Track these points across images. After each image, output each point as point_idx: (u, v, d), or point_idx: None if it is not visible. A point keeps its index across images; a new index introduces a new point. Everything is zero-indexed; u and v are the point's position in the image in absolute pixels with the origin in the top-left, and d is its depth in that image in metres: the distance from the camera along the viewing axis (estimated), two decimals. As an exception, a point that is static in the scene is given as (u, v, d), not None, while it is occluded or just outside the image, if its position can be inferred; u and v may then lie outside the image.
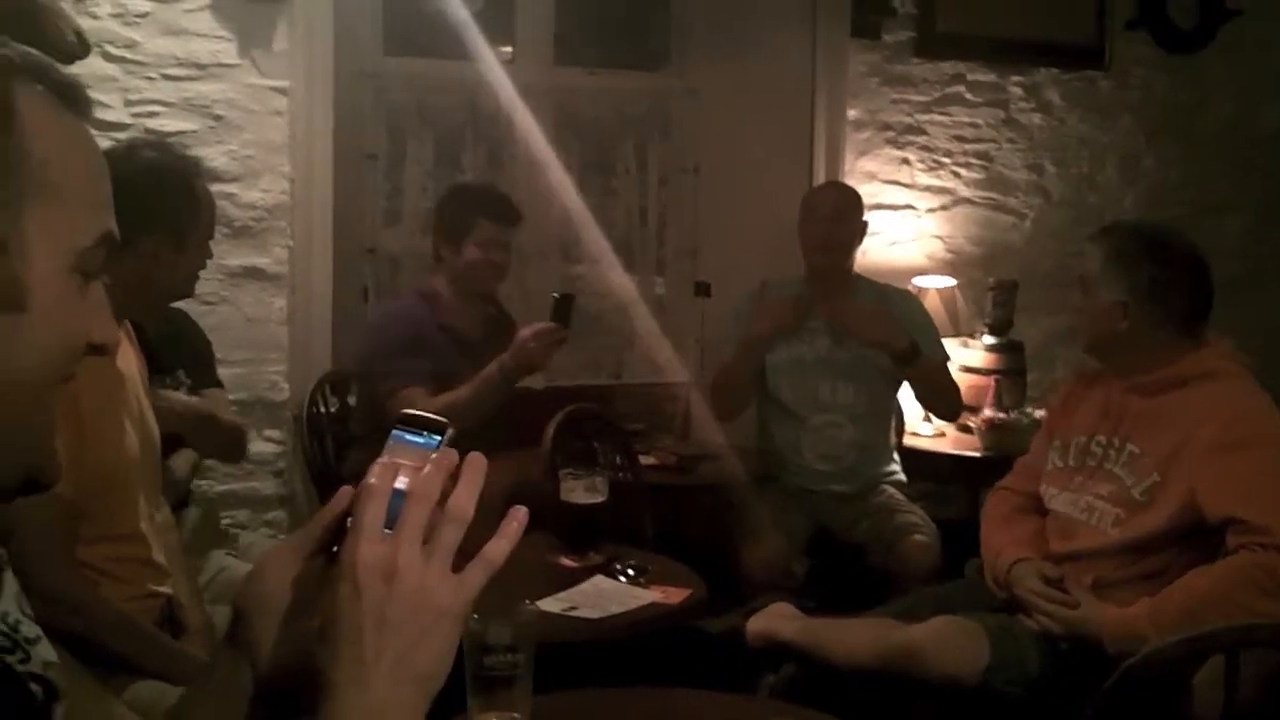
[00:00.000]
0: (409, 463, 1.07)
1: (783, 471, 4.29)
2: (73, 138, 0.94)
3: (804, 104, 5.09)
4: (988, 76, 5.33)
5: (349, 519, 1.05)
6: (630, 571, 2.99)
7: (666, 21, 5.37)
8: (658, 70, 5.42)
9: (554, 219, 5.01)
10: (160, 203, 2.70)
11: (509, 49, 5.14)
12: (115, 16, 3.98)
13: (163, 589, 2.58)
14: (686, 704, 2.33)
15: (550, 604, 2.74)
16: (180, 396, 3.16)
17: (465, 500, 1.04)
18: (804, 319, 4.21)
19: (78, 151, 0.95)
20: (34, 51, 0.93)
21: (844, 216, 4.30)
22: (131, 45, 4.01)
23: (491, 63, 4.77)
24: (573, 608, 2.77)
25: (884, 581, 3.93)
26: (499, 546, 1.05)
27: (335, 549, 1.06)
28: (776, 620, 3.19)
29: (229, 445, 3.38)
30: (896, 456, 4.43)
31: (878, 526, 4.10)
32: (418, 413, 1.13)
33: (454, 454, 1.07)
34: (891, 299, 4.34)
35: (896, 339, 4.08)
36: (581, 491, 3.10)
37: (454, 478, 1.06)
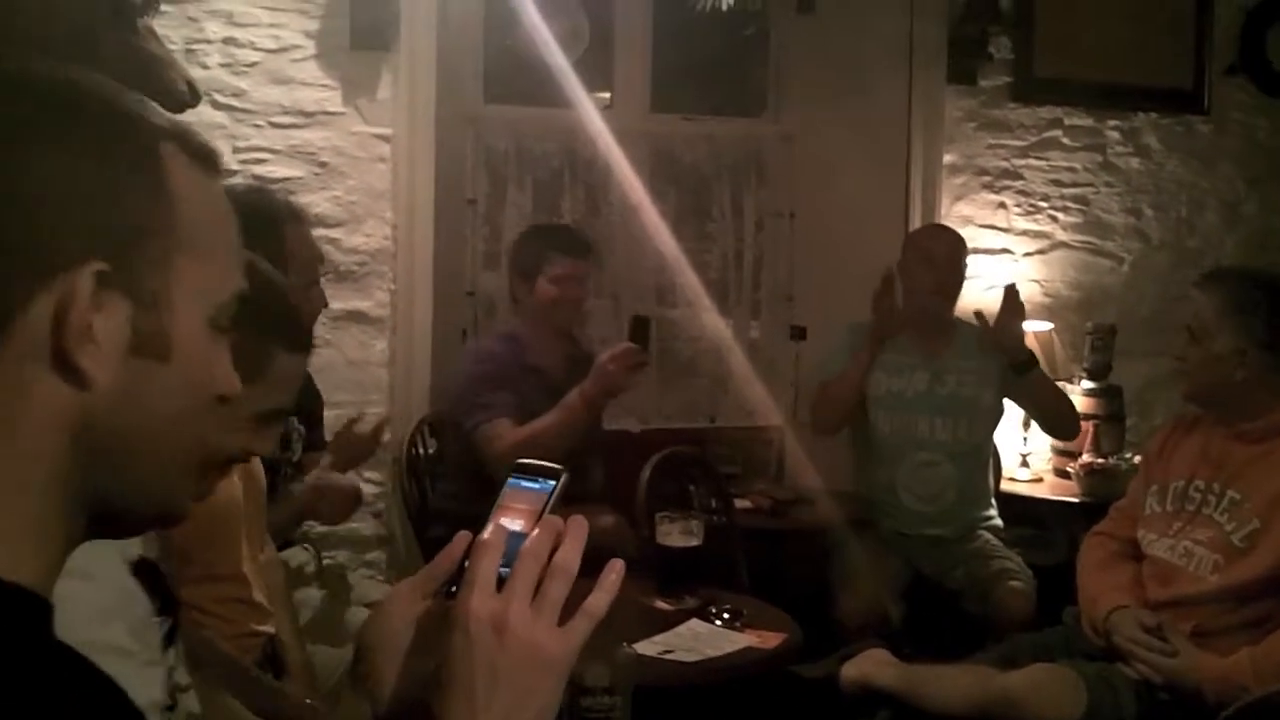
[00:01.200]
0: (523, 507, 1.13)
1: (879, 516, 4.28)
2: (213, 198, 0.98)
3: (900, 149, 5.10)
4: (1085, 121, 5.31)
5: (466, 561, 1.10)
6: (725, 615, 3.01)
7: (763, 67, 5.42)
8: (754, 116, 5.45)
9: (650, 263, 5.05)
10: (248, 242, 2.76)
11: (607, 95, 5.21)
12: (224, 66, 4.10)
13: (264, 628, 2.63)
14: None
15: (646, 647, 2.77)
16: (304, 484, 3.16)
17: (572, 557, 1.09)
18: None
19: (218, 212, 0.99)
20: (175, 117, 0.97)
21: (957, 261, 4.36)
22: (240, 94, 4.12)
23: (589, 109, 4.83)
24: (668, 651, 2.79)
25: (980, 628, 3.91)
26: (600, 599, 1.10)
27: (454, 589, 1.10)
28: (872, 666, 3.19)
29: (348, 509, 3.40)
30: (994, 501, 4.41)
31: (974, 572, 4.08)
32: (532, 461, 1.19)
33: (559, 520, 1.12)
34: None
35: (1023, 344, 4.16)
36: (677, 535, 3.12)
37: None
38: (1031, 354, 4.21)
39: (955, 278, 4.35)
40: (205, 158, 0.97)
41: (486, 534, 1.11)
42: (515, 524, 1.12)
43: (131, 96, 0.94)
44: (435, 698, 1.06)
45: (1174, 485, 3.10)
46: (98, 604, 1.53)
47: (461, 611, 1.05)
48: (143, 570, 1.71)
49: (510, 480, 1.17)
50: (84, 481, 0.90)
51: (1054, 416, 4.37)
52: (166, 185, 0.91)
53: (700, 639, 2.88)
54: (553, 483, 1.16)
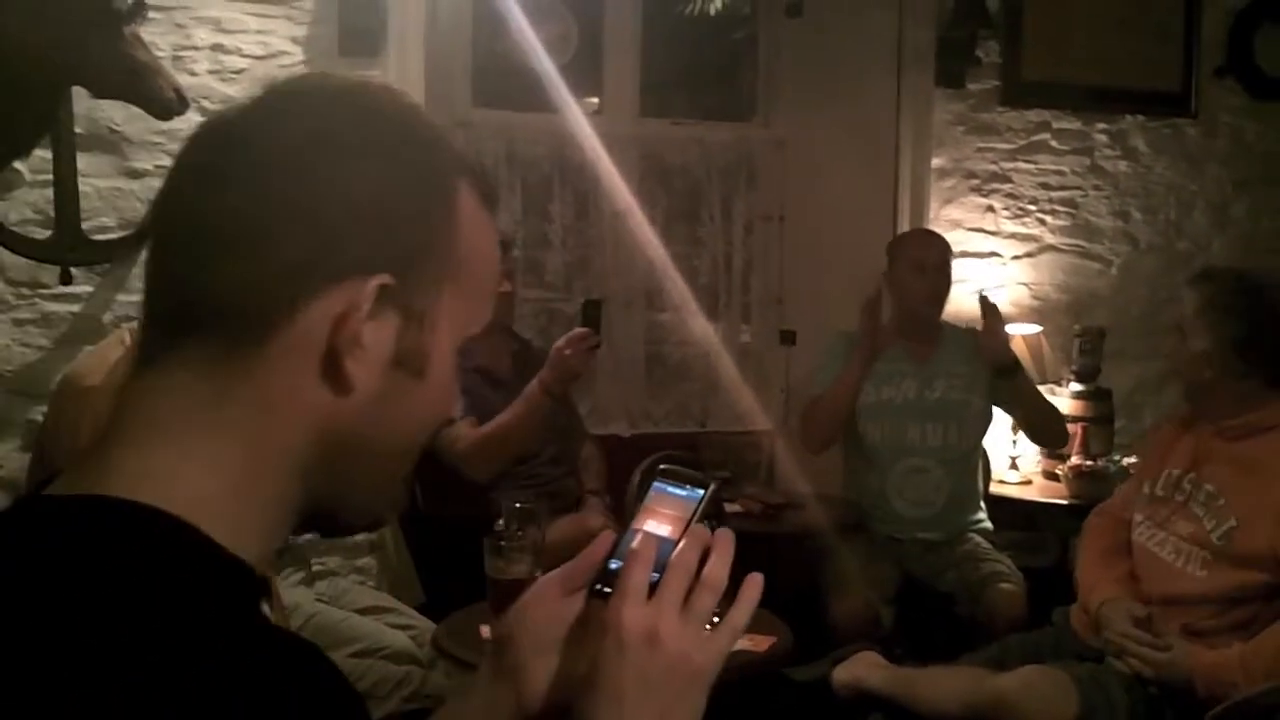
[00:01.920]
0: (670, 512, 1.15)
1: (869, 520, 4.29)
2: (489, 239, 1.02)
3: (889, 153, 5.10)
4: (1073, 124, 5.31)
5: (609, 561, 1.13)
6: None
7: (752, 71, 5.43)
8: (743, 120, 5.47)
9: (640, 267, 5.06)
10: None
11: (596, 100, 5.22)
12: (213, 73, 4.08)
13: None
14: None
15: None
16: None
17: (721, 571, 1.12)
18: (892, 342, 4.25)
19: (490, 248, 1.02)
20: (466, 157, 1.02)
21: (946, 266, 4.38)
22: (228, 101, 4.08)
23: (579, 114, 4.84)
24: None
25: (971, 630, 3.91)
26: (742, 612, 1.14)
27: (598, 587, 1.12)
28: (863, 669, 3.19)
29: None
30: (983, 504, 4.42)
31: (965, 575, 4.09)
32: (679, 467, 1.21)
33: (707, 531, 1.13)
34: (976, 342, 4.36)
35: (1006, 349, 4.19)
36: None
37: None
38: (1015, 359, 4.22)
39: (945, 283, 4.36)
40: (491, 201, 1.01)
41: (636, 542, 1.12)
42: (662, 529, 1.14)
43: (434, 123, 1.00)
44: (582, 702, 1.07)
45: (1166, 473, 3.12)
46: None
47: (614, 620, 1.07)
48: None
49: (656, 484, 1.19)
50: (316, 478, 0.94)
51: (1040, 423, 4.39)
52: (456, 216, 0.96)
53: (691, 642, 2.87)
54: (701, 492, 1.17)
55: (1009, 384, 4.24)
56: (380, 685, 2.96)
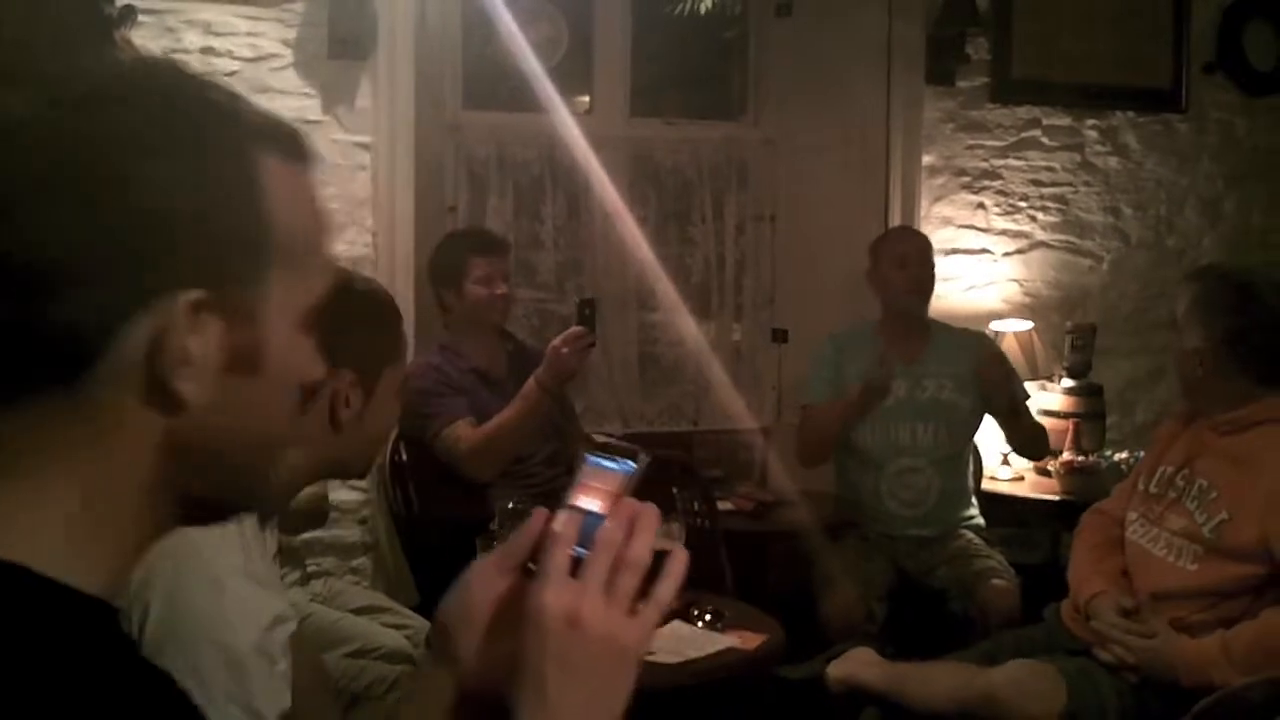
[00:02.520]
0: (601, 486, 1.13)
1: (861, 518, 4.30)
2: (306, 195, 0.96)
3: (879, 151, 5.10)
4: (1063, 121, 5.32)
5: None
6: (708, 617, 3.02)
7: (743, 72, 5.44)
8: (734, 120, 5.48)
9: (632, 268, 5.07)
10: None
11: (586, 100, 5.23)
12: (204, 76, 4.08)
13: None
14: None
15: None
16: None
17: (643, 549, 1.09)
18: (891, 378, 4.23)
19: (311, 210, 0.97)
20: (261, 108, 0.94)
21: (928, 259, 4.40)
22: (219, 104, 4.11)
23: (570, 115, 4.84)
24: (650, 653, 2.79)
25: (964, 627, 3.93)
26: (667, 587, 1.11)
27: (530, 566, 1.12)
28: (857, 666, 3.20)
29: (313, 521, 3.42)
30: (975, 500, 4.43)
31: (957, 571, 4.11)
32: (612, 440, 1.20)
33: (636, 505, 1.12)
34: (968, 342, 4.37)
35: (1008, 395, 4.20)
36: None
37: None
38: (1016, 403, 4.25)
39: (928, 275, 4.39)
40: (297, 153, 0.95)
41: (560, 521, 1.10)
42: (593, 504, 1.12)
43: (219, 98, 0.92)
44: (514, 690, 1.07)
45: (1162, 469, 3.14)
46: (249, 597, 1.71)
47: (534, 604, 1.06)
48: None
49: (590, 458, 1.16)
50: (173, 489, 0.91)
51: (1027, 442, 4.42)
52: (263, 200, 0.90)
53: (683, 640, 2.89)
54: (633, 465, 1.15)
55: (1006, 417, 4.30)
56: (375, 685, 2.97)
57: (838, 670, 3.20)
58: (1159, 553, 3.03)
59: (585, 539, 1.08)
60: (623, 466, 1.15)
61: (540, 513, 1.16)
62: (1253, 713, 2.37)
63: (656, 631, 2.79)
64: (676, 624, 2.99)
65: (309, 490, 3.20)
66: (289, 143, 0.94)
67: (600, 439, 1.19)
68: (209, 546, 1.69)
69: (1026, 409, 4.38)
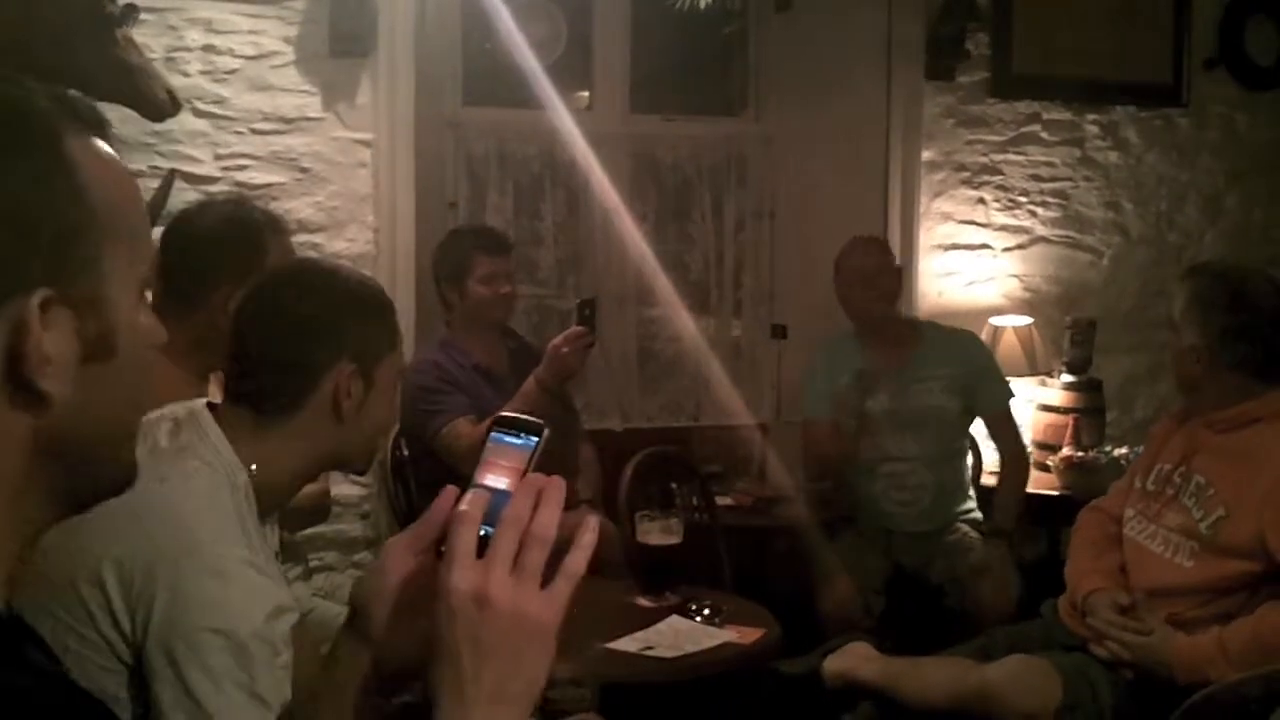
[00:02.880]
0: (507, 464, 1.13)
1: (859, 513, 4.31)
2: (113, 168, 0.95)
3: (879, 147, 5.11)
4: (1063, 116, 5.32)
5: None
6: (706, 611, 3.03)
7: (743, 68, 5.45)
8: (733, 116, 5.49)
9: (631, 264, 5.08)
10: (225, 256, 2.80)
11: (586, 96, 5.23)
12: (205, 73, 4.10)
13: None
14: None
15: (627, 644, 2.79)
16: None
17: (549, 522, 1.09)
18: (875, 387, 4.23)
19: (121, 181, 0.96)
20: (58, 89, 0.93)
21: (887, 264, 4.36)
22: (220, 101, 4.13)
23: (569, 111, 4.86)
24: (649, 647, 2.81)
25: (961, 621, 3.94)
26: (578, 558, 1.11)
27: (441, 547, 1.12)
28: (854, 660, 3.21)
29: (315, 517, 3.42)
30: (973, 494, 4.43)
31: (954, 566, 4.11)
32: (515, 415, 1.19)
33: (541, 478, 1.12)
34: (955, 343, 4.38)
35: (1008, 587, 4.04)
36: (657, 533, 3.15)
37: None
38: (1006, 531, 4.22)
39: (887, 284, 4.33)
40: (94, 122, 0.94)
41: (466, 501, 1.10)
42: (500, 481, 1.12)
43: (12, 85, 0.91)
44: (429, 671, 1.08)
45: (1159, 467, 3.15)
46: (255, 587, 1.74)
47: (443, 587, 1.06)
48: None
49: (494, 435, 1.16)
50: (42, 487, 0.91)
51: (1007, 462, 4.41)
52: (79, 181, 0.90)
53: (680, 635, 2.91)
54: (536, 439, 1.15)
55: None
56: None
57: (834, 665, 3.21)
58: (1156, 549, 3.04)
59: (492, 517, 1.08)
60: (526, 442, 1.15)
61: (449, 491, 1.16)
62: (1246, 708, 2.38)
63: (654, 627, 2.82)
64: (675, 619, 3.01)
65: (311, 487, 3.20)
66: (84, 114, 0.94)
67: (506, 414, 1.18)
68: (210, 539, 1.72)
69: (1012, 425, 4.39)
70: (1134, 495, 3.19)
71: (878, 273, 4.31)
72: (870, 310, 4.28)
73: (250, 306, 1.96)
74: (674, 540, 3.15)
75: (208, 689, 1.65)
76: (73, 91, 0.96)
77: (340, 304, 1.94)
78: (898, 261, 4.52)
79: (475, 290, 4.09)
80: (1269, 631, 2.73)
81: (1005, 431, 4.38)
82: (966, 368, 4.30)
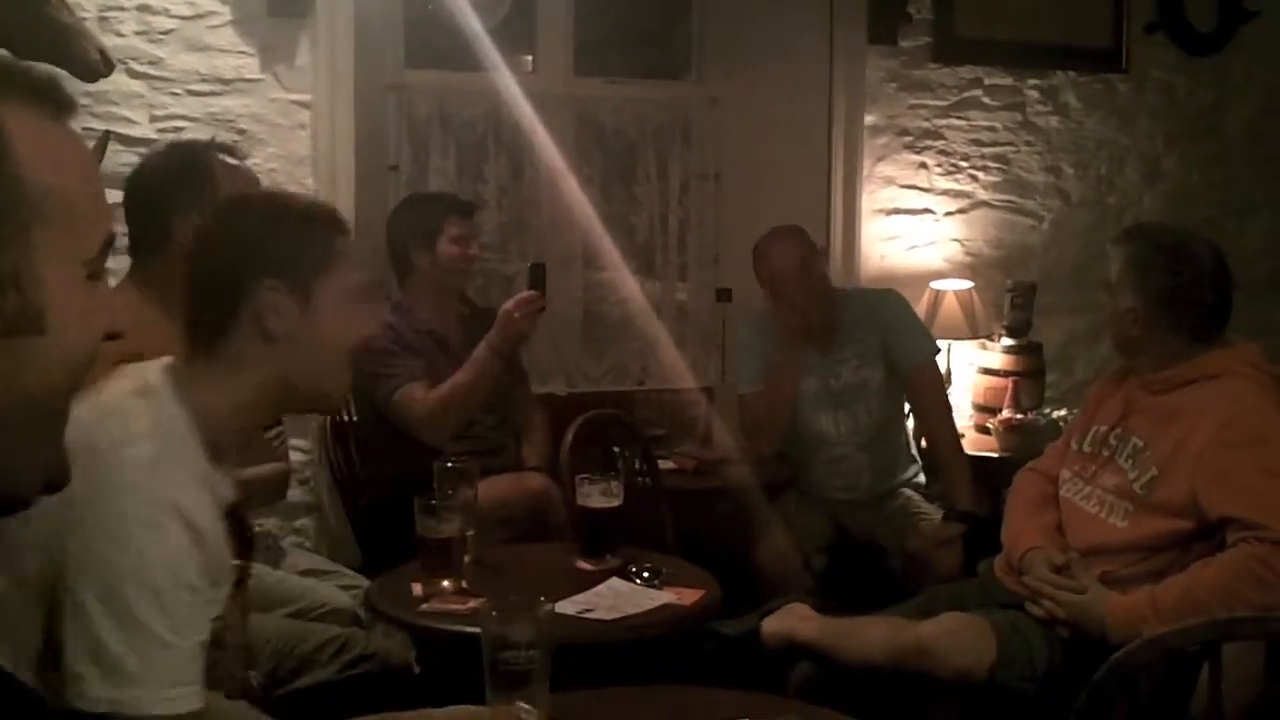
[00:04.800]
0: None
1: (802, 481, 4.32)
2: (63, 146, 0.94)
3: (822, 111, 5.12)
4: (1005, 80, 5.35)
5: None
6: (646, 574, 3.03)
7: (686, 31, 5.43)
8: (678, 79, 5.47)
9: (576, 227, 5.06)
10: (171, 189, 2.79)
11: (530, 59, 5.20)
12: (140, 34, 4.05)
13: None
14: (700, 700, 2.36)
15: (566, 606, 2.79)
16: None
17: None
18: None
19: (71, 160, 0.95)
20: (10, 59, 0.92)
21: (808, 267, 4.18)
22: (156, 61, 4.08)
23: (513, 74, 4.83)
24: (588, 610, 2.81)
25: (903, 582, 3.96)
26: None
27: None
28: (792, 620, 3.22)
29: (274, 495, 3.40)
30: (915, 456, 4.44)
31: (897, 528, 4.14)
32: None
33: None
34: (871, 307, 4.30)
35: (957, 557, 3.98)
36: (597, 496, 3.15)
37: None
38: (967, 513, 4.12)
39: (810, 285, 4.16)
40: (51, 101, 0.92)
41: None
42: None
43: None
44: None
45: (1095, 429, 3.17)
46: (184, 544, 1.67)
47: None
48: (231, 517, 1.84)
49: None
50: None
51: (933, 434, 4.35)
52: (9, 153, 0.87)
53: (620, 597, 2.91)
54: None
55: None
56: (321, 650, 2.97)
57: (771, 625, 3.22)
58: (1091, 509, 3.07)
59: None
60: None
61: None
62: (1173, 660, 2.41)
63: (594, 589, 2.81)
64: (615, 581, 3.01)
65: (270, 466, 3.20)
66: (40, 91, 0.91)
67: None
68: (146, 483, 1.66)
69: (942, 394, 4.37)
70: (1070, 457, 3.22)
71: (803, 272, 4.14)
72: (808, 314, 4.14)
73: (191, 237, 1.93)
74: (614, 503, 3.15)
75: (118, 637, 1.60)
76: (30, 63, 0.94)
77: (263, 219, 1.88)
78: (819, 245, 4.40)
79: (447, 250, 4.08)
80: (1200, 589, 2.76)
81: (925, 391, 4.26)
82: (884, 330, 4.21)
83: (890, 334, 4.22)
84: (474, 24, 4.67)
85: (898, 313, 4.31)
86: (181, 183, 2.84)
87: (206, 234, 1.90)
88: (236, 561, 1.88)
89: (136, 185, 2.96)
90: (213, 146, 3.04)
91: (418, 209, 4.21)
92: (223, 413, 1.82)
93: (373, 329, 2.30)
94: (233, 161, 2.98)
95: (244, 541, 1.91)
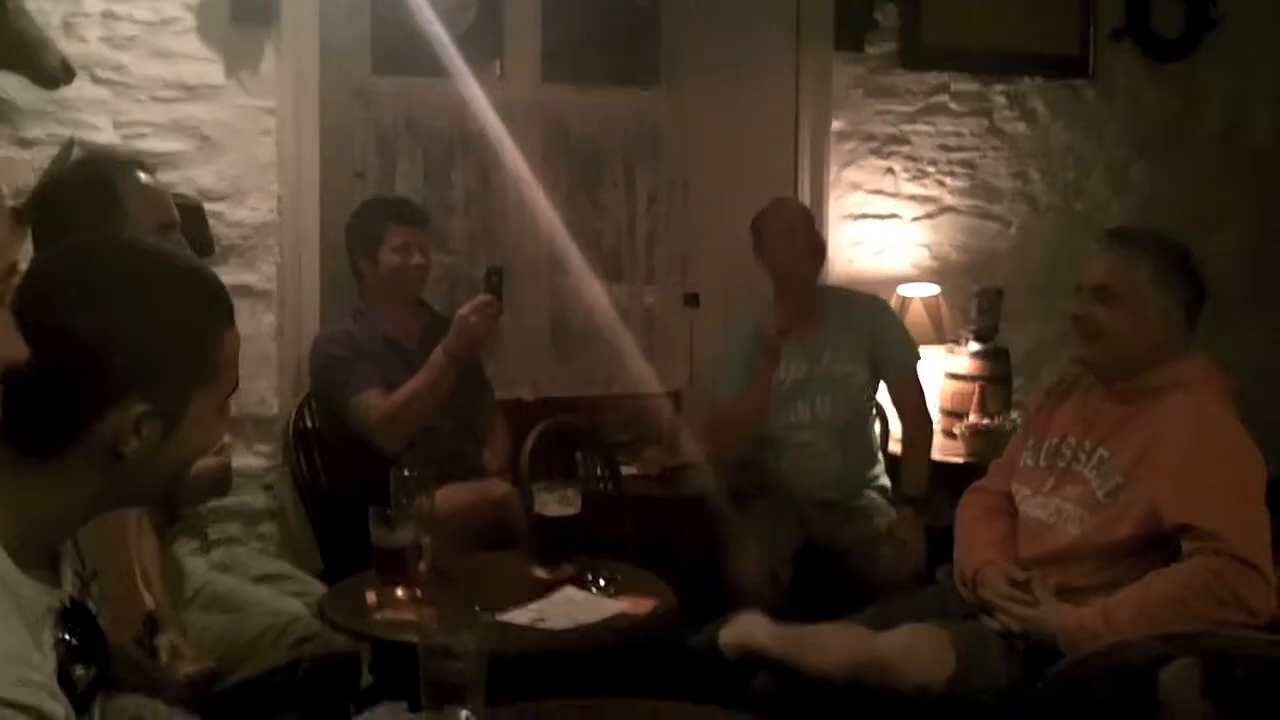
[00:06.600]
0: None
1: (768, 484, 4.32)
2: None
3: (789, 117, 5.12)
4: (971, 86, 5.35)
5: None
6: (601, 583, 3.04)
7: (654, 38, 5.43)
8: (645, 87, 5.47)
9: (543, 233, 5.06)
10: (77, 206, 2.76)
11: (498, 65, 5.20)
12: (104, 40, 4.04)
13: (143, 605, 2.64)
14: (645, 713, 2.36)
15: (519, 615, 2.80)
16: None
17: None
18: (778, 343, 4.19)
19: None
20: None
21: (812, 224, 4.39)
22: (120, 68, 4.07)
23: (480, 81, 4.83)
24: (540, 619, 2.82)
25: (867, 585, 3.97)
26: None
27: None
28: (748, 629, 3.22)
29: (214, 489, 3.38)
30: (880, 458, 4.47)
31: (860, 532, 4.14)
32: None
33: None
34: (861, 308, 4.39)
35: (919, 555, 4.05)
36: (554, 504, 3.15)
37: None
38: (918, 500, 4.23)
39: (817, 238, 4.39)
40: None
41: None
42: None
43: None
44: None
45: (1048, 442, 3.16)
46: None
47: None
48: (73, 616, 1.55)
49: None
50: None
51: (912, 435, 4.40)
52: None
53: (574, 606, 2.91)
54: None
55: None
56: (262, 636, 2.95)
57: (729, 635, 3.21)
58: (1048, 519, 3.07)
59: None
60: None
61: None
62: (1122, 672, 2.42)
63: (548, 598, 2.81)
64: (570, 590, 3.01)
65: (208, 461, 3.17)
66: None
67: None
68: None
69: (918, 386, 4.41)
70: (1022, 473, 3.20)
71: (807, 228, 4.34)
72: (799, 266, 4.28)
73: (23, 298, 1.47)
74: (571, 510, 3.15)
75: None
76: None
77: (138, 307, 1.50)
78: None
79: (388, 260, 4.08)
80: (1153, 602, 2.76)
81: (908, 394, 4.37)
82: (872, 332, 4.31)
83: (878, 336, 4.32)
84: (440, 31, 4.67)
85: (887, 319, 4.46)
86: (83, 203, 2.79)
87: (55, 314, 1.47)
88: (82, 671, 1.55)
89: (38, 200, 2.91)
90: (125, 162, 3.01)
91: (361, 217, 4.21)
92: (28, 522, 1.48)
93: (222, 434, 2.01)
94: (144, 179, 2.95)
95: (93, 643, 1.59)
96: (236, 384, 1.64)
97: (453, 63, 4.72)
